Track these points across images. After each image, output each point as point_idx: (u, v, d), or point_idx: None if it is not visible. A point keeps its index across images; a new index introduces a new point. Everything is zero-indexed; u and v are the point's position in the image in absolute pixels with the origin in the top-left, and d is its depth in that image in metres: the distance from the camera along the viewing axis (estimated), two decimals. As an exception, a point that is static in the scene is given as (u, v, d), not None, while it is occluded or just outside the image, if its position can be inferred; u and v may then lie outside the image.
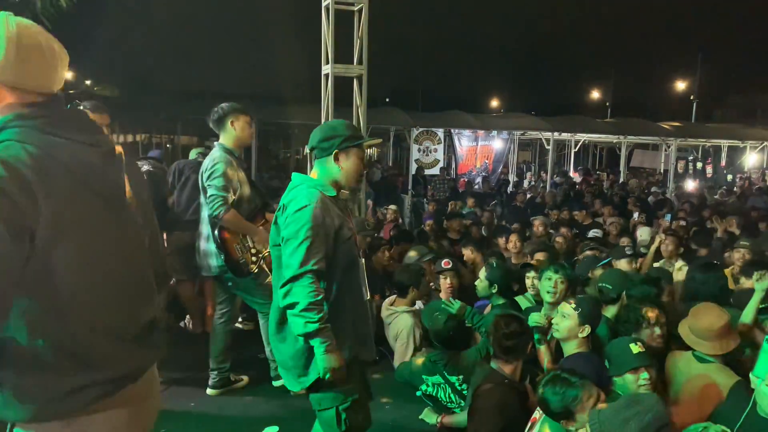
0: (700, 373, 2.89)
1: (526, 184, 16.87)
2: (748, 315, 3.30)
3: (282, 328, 2.49)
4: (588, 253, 5.22)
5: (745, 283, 4.11)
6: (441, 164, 14.64)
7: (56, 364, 1.46)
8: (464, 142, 15.73)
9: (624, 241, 5.98)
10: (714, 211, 8.86)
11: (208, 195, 3.56)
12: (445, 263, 4.57)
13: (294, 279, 2.31)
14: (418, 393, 3.69)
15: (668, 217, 8.44)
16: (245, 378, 4.14)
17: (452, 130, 15.17)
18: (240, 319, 5.16)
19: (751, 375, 2.46)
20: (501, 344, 3.07)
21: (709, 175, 19.63)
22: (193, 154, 5.80)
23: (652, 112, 31.89)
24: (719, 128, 21.06)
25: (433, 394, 3.61)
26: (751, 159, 20.20)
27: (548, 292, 3.79)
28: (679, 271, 4.99)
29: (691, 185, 16.23)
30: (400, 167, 17.08)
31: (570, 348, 3.23)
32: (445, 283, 4.49)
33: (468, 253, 5.51)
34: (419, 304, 4.52)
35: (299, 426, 2.91)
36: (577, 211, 8.56)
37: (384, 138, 15.15)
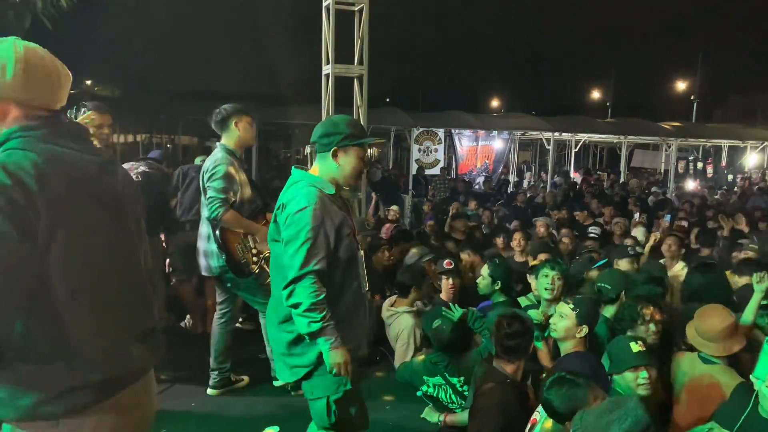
0: (704, 373, 2.90)
1: (525, 184, 16.87)
2: (747, 316, 3.30)
3: (279, 316, 2.52)
4: (586, 255, 5.24)
5: (740, 281, 4.12)
6: (441, 164, 14.64)
7: (50, 364, 1.48)
8: (465, 142, 15.72)
9: (628, 241, 5.98)
10: (717, 210, 8.86)
11: (207, 196, 3.56)
12: (447, 264, 4.57)
13: (296, 280, 2.34)
14: (419, 393, 3.69)
15: (667, 217, 8.44)
16: (246, 378, 4.14)
17: (453, 130, 15.17)
18: (240, 319, 5.16)
19: (751, 376, 2.46)
20: (503, 344, 3.07)
21: (709, 175, 19.60)
22: (197, 161, 5.83)
23: (652, 112, 31.85)
24: (720, 128, 21.05)
25: (434, 395, 3.62)
26: (751, 159, 20.21)
27: (546, 289, 3.83)
28: (682, 271, 4.99)
29: (691, 185, 16.24)
30: (400, 167, 17.08)
31: (567, 347, 3.26)
32: (446, 283, 4.48)
33: (465, 257, 5.51)
34: (419, 305, 4.52)
35: (299, 426, 2.91)
36: (577, 211, 8.56)
37: (384, 138, 15.15)
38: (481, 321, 3.67)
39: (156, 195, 4.58)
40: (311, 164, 2.84)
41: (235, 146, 3.74)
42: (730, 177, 19.28)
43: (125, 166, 3.69)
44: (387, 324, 4.47)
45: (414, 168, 13.85)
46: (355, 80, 6.12)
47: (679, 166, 18.55)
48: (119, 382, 1.60)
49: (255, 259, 3.69)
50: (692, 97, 31.51)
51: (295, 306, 2.35)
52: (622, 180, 16.27)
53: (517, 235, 5.84)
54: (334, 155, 2.49)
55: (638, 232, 6.64)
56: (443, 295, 4.45)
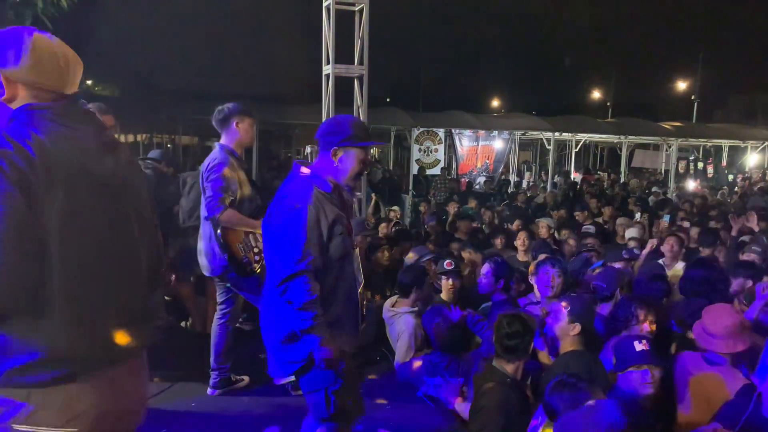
0: (709, 373, 2.89)
1: (525, 184, 16.87)
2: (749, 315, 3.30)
3: (273, 311, 2.53)
4: (584, 253, 5.25)
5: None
6: (442, 164, 14.63)
7: (31, 333, 1.49)
8: (465, 142, 15.71)
9: (631, 243, 5.97)
10: (720, 210, 8.86)
11: (205, 195, 3.56)
12: (448, 264, 4.57)
13: (290, 278, 2.37)
14: (419, 393, 3.69)
15: (667, 217, 8.41)
16: (246, 378, 4.13)
17: (453, 130, 15.16)
18: (240, 319, 5.15)
19: (752, 376, 2.46)
20: (503, 344, 3.07)
21: (710, 175, 19.59)
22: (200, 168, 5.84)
23: (652, 112, 31.85)
24: (720, 128, 21.05)
25: (435, 395, 3.61)
26: (752, 159, 20.22)
27: (546, 287, 3.84)
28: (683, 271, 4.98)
29: (692, 185, 16.23)
30: (401, 167, 17.08)
31: (563, 346, 3.26)
32: (447, 284, 4.48)
33: (467, 255, 5.51)
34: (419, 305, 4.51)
35: (299, 426, 2.91)
36: (578, 211, 8.54)
37: (385, 138, 15.15)
38: (482, 324, 3.67)
39: (155, 195, 4.56)
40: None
41: (235, 146, 3.73)
42: (730, 177, 19.27)
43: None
44: (388, 324, 4.46)
45: (414, 168, 13.85)
46: (356, 80, 6.12)
47: (680, 166, 18.54)
48: (99, 361, 1.60)
49: (257, 258, 3.68)
50: (693, 97, 31.48)
51: (289, 303, 2.39)
52: (622, 180, 16.27)
53: (522, 235, 5.83)
54: (334, 154, 2.51)
55: (632, 232, 6.60)
56: (443, 296, 4.44)
